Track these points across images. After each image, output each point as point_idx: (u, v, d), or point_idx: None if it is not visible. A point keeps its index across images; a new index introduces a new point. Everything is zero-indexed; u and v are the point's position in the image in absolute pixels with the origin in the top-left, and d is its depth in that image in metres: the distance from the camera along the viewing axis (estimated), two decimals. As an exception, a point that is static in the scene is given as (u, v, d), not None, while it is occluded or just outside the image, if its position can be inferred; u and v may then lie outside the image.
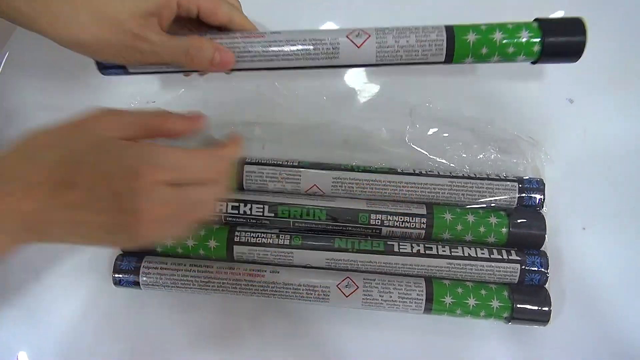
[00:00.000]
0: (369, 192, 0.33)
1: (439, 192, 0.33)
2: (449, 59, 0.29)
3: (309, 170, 0.34)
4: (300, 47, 0.29)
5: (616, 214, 0.35)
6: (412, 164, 0.35)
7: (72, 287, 0.35)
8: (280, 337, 0.34)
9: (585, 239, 0.35)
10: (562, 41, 0.29)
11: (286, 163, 0.34)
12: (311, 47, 0.29)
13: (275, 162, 0.34)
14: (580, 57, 0.29)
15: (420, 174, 0.34)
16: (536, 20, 0.30)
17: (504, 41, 0.29)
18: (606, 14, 0.37)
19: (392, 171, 0.34)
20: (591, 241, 0.34)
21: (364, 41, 0.29)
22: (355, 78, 0.38)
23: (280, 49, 0.29)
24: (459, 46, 0.29)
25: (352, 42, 0.29)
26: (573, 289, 0.33)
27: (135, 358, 0.34)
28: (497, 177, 0.34)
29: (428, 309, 0.31)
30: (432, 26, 0.29)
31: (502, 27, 0.29)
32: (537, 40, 0.29)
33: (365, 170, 0.34)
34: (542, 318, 0.31)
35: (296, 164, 0.34)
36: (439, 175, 0.33)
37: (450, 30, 0.29)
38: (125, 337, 0.34)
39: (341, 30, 0.29)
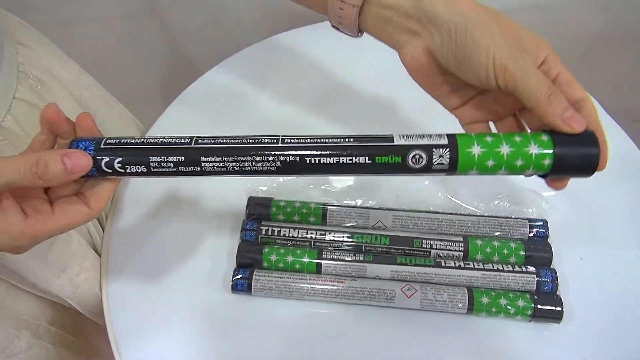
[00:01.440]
0: (419, 226, 0.46)
1: (470, 227, 0.45)
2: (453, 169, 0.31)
3: (375, 210, 0.46)
4: None
5: (607, 246, 0.47)
6: (450, 210, 0.48)
7: (194, 297, 0.45)
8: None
9: (583, 266, 0.46)
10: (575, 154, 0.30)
11: (358, 206, 0.47)
12: None
13: (349, 205, 0.47)
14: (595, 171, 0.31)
15: (456, 214, 0.46)
16: (545, 131, 0.31)
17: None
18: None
19: (435, 212, 0.46)
20: (588, 267, 0.46)
21: None
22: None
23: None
24: (462, 158, 0.31)
25: None
26: (576, 298, 0.44)
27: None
28: (513, 217, 0.46)
29: (470, 309, 0.41)
30: None
31: (509, 138, 0.30)
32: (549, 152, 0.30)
33: (416, 211, 0.46)
34: (557, 316, 0.41)
35: (365, 206, 0.47)
36: (470, 215, 0.46)
37: (453, 140, 0.31)
38: (233, 336, 0.44)
39: None
